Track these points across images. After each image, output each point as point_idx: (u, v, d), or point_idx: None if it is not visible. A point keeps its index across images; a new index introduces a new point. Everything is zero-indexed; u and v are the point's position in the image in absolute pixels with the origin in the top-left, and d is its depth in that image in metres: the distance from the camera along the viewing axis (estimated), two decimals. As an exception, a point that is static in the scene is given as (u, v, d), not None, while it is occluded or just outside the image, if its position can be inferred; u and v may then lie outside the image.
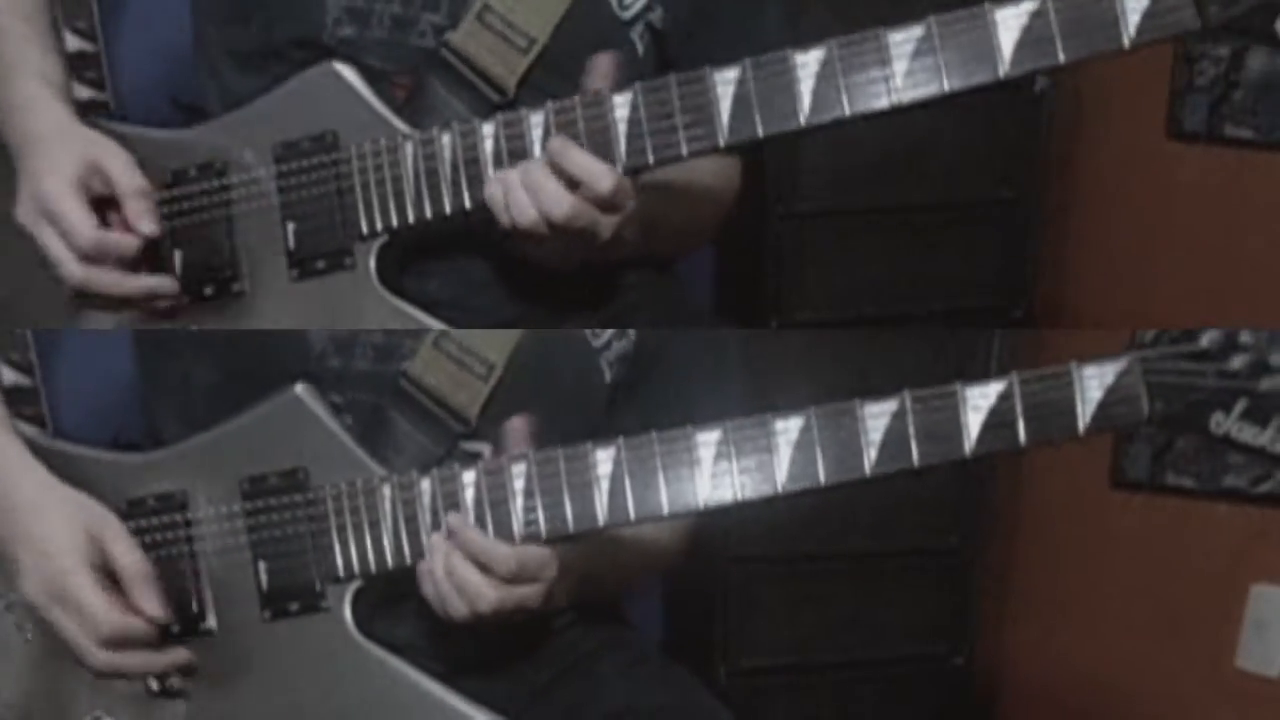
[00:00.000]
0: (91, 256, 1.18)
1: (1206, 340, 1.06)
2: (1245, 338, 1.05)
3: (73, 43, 1.73)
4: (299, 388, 1.19)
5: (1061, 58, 1.09)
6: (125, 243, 1.19)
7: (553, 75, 1.22)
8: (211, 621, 1.18)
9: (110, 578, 1.15)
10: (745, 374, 1.37)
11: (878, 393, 1.12)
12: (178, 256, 1.22)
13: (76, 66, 1.74)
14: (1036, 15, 1.08)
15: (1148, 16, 1.06)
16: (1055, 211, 2.31)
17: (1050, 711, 2.32)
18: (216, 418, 1.20)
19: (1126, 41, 1.07)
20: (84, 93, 1.74)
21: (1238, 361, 1.05)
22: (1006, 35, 1.09)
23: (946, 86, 1.11)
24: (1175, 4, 1.07)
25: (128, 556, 1.15)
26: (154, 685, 1.18)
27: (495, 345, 1.22)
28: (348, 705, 1.16)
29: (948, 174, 2.23)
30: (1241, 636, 2.06)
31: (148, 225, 1.19)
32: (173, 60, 1.45)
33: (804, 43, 1.13)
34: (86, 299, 1.21)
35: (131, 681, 1.18)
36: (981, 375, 1.12)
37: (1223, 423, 1.08)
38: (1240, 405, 1.06)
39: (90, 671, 1.16)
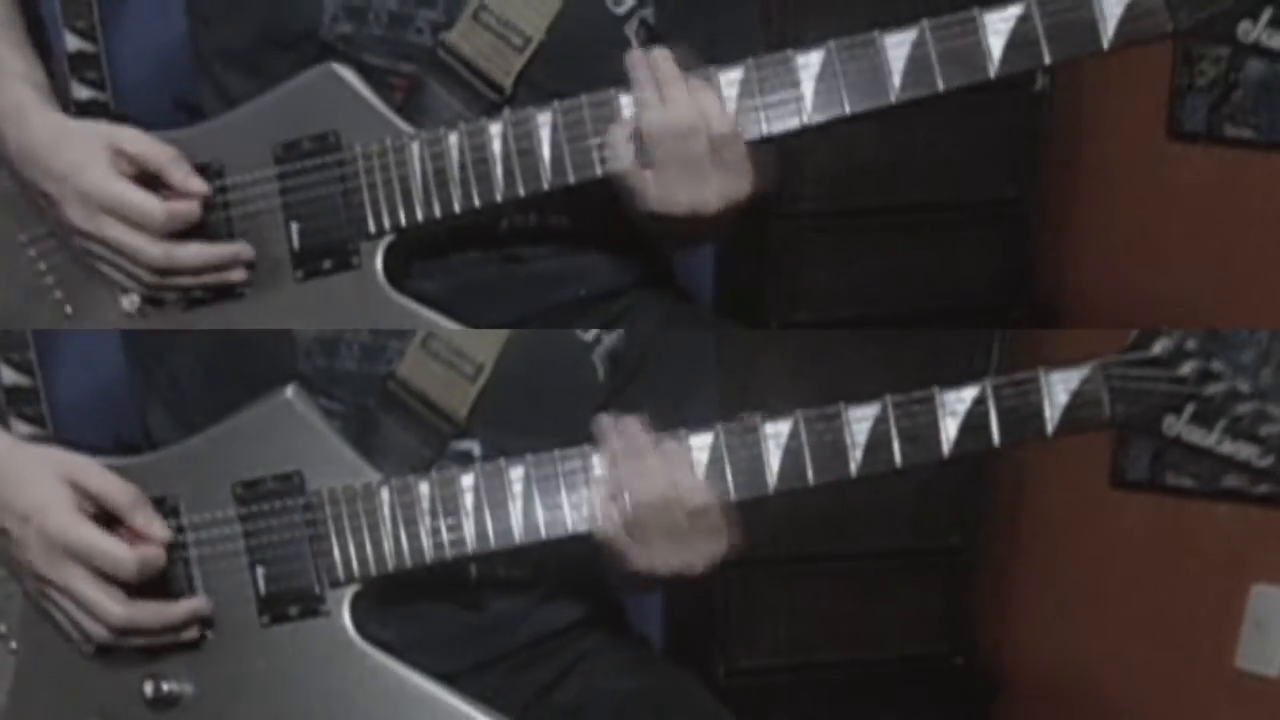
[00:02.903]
0: (167, 231, 1.16)
1: (1159, 348, 1.13)
2: (1191, 344, 1.12)
3: (73, 43, 1.74)
4: (289, 390, 1.18)
5: (1046, 59, 1.15)
6: (189, 207, 1.17)
7: (549, 73, 1.23)
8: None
9: (102, 521, 1.13)
10: (728, 373, 1.37)
11: (876, 394, 1.17)
12: None
13: (76, 66, 1.74)
14: (1023, 19, 1.14)
15: (1123, 21, 1.13)
16: (1055, 211, 2.31)
17: (1050, 711, 2.32)
18: (205, 421, 1.20)
19: (1105, 44, 1.14)
20: (84, 93, 1.75)
21: (1186, 368, 1.12)
22: (995, 39, 1.15)
23: (941, 86, 1.16)
24: (1149, 9, 1.13)
25: (115, 489, 1.13)
26: (149, 690, 1.17)
27: (484, 345, 1.22)
28: (348, 709, 1.16)
29: (948, 174, 2.23)
30: (1241, 636, 2.06)
31: (197, 184, 1.17)
32: (173, 60, 1.45)
33: (794, 34, 1.18)
34: (161, 291, 1.19)
35: (127, 687, 1.17)
36: (981, 376, 1.16)
37: (1174, 425, 1.14)
38: (1189, 409, 1.13)
39: (104, 632, 1.13)
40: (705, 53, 1.18)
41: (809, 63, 1.16)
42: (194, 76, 1.31)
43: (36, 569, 1.13)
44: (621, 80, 1.18)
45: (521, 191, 1.17)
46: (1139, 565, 2.20)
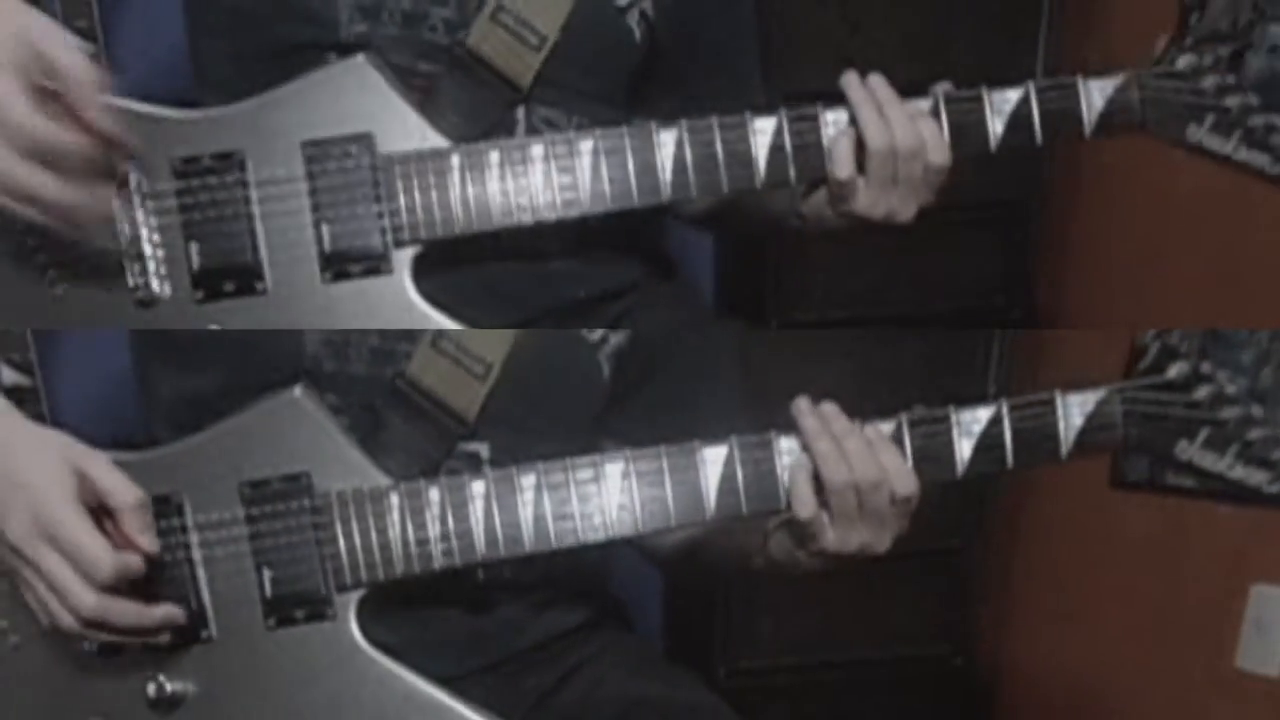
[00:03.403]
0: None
1: (1174, 372, 1.15)
2: (1206, 368, 1.15)
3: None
4: (297, 389, 1.18)
5: (1039, 139, 1.25)
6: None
7: (562, 70, 1.24)
8: (211, 629, 1.17)
9: (97, 515, 1.10)
10: (745, 373, 1.38)
11: (876, 394, 1.18)
12: (194, 249, 1.18)
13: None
14: (1023, 101, 1.23)
15: (1104, 115, 1.24)
16: (1055, 211, 2.31)
17: (1050, 712, 2.32)
18: (210, 420, 1.19)
19: (1088, 131, 1.24)
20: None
21: (1201, 393, 1.15)
22: (998, 118, 1.23)
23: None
24: (1125, 105, 1.24)
25: (119, 487, 1.11)
26: (152, 691, 1.16)
27: (493, 345, 1.22)
28: (352, 713, 1.16)
29: (948, 175, 2.22)
30: (1241, 636, 2.06)
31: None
32: (174, 59, 1.44)
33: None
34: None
35: (130, 688, 1.16)
36: (981, 376, 1.17)
37: (1187, 449, 1.16)
38: (1203, 434, 1.15)
39: (71, 620, 1.09)
40: (698, 46, 1.19)
41: (838, 119, 1.22)
42: (198, 90, 1.30)
43: (12, 538, 1.09)
44: (625, 73, 1.21)
45: (562, 213, 1.19)
46: (1139, 565, 2.20)
